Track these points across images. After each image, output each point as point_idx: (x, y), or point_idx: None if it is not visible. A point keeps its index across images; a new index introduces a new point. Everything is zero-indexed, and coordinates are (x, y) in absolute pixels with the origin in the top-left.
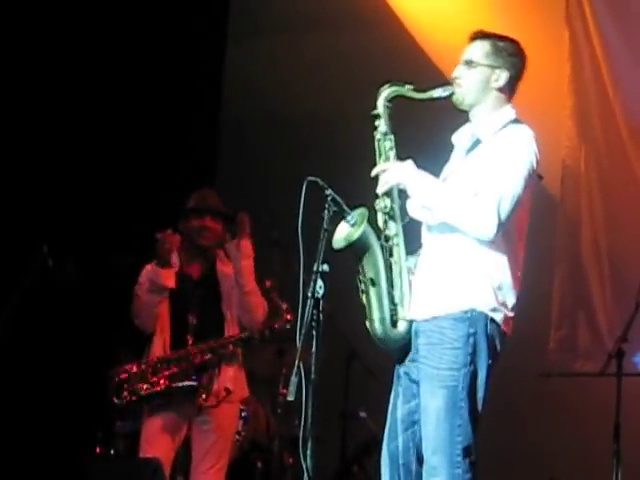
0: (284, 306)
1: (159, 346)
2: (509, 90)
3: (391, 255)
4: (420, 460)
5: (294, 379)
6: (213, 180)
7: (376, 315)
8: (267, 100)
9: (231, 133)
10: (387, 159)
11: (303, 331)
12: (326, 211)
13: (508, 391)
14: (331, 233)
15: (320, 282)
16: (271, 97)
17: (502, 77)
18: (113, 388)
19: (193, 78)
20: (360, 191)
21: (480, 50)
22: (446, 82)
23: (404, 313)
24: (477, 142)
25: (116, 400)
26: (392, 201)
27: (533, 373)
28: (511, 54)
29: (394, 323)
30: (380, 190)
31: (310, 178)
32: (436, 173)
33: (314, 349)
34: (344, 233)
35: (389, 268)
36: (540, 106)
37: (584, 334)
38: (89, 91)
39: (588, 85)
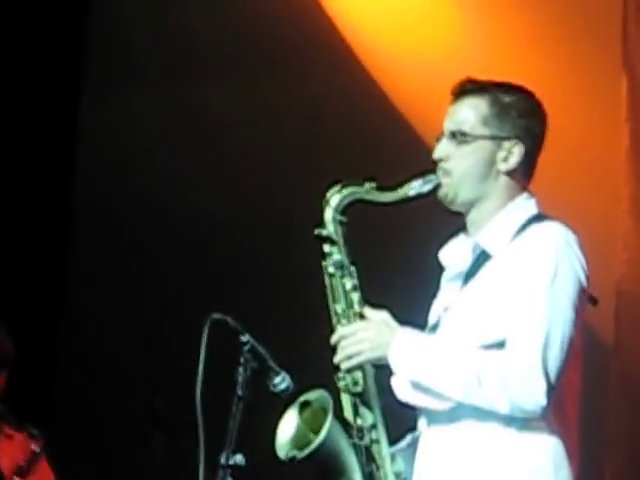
0: None
1: None
2: (524, 172)
3: (370, 460)
4: None
5: None
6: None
7: None
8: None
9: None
10: (349, 307)
11: None
12: (241, 368)
13: None
14: (249, 404)
15: None
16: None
17: (514, 153)
18: None
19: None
20: (299, 335)
21: (475, 113)
22: (425, 170)
23: None
24: (482, 257)
25: None
26: (364, 374)
27: None
28: (524, 114)
29: None
30: (345, 367)
31: (215, 315)
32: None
33: None
34: (293, 432)
35: None
36: (579, 198)
37: None
38: None
39: None
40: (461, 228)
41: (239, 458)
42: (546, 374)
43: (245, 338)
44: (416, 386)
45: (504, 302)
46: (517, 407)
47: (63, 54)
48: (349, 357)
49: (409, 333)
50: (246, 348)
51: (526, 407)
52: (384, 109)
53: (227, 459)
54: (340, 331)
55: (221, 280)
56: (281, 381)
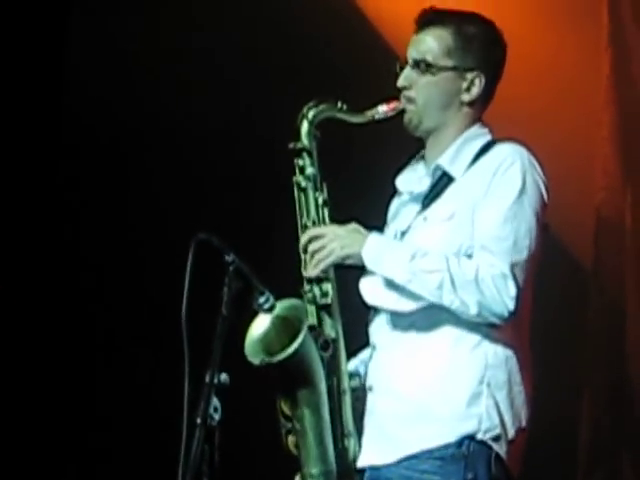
0: None
1: None
2: (484, 101)
3: (331, 372)
4: None
5: None
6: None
7: (315, 468)
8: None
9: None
10: (320, 220)
11: (188, 478)
12: (226, 288)
13: None
14: (234, 323)
15: (216, 401)
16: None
17: (476, 84)
18: None
19: None
20: (278, 261)
21: (439, 44)
22: (390, 96)
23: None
24: (444, 180)
25: None
26: (332, 286)
27: None
28: (487, 45)
29: (342, 476)
30: (313, 270)
31: (201, 236)
32: None
33: None
34: (262, 336)
35: (332, 394)
36: (560, 124)
37: None
38: None
39: (638, 87)
40: (416, 154)
41: (224, 377)
42: (515, 279)
43: (230, 257)
44: (387, 285)
45: (471, 217)
46: (486, 309)
47: None
48: (320, 259)
49: (382, 235)
50: (231, 268)
51: (495, 309)
52: (367, 33)
53: (212, 378)
54: (309, 232)
55: (204, 200)
56: (265, 301)
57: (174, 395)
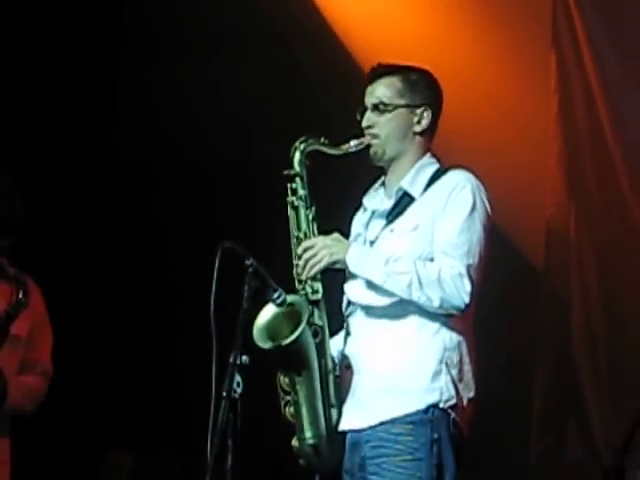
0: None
1: None
2: (431, 133)
3: (321, 355)
4: None
5: None
6: None
7: (309, 432)
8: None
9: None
10: (310, 233)
11: (215, 441)
12: (246, 286)
13: None
14: (252, 315)
15: (238, 378)
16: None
17: (425, 117)
18: None
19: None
20: (276, 265)
21: (390, 88)
22: (359, 134)
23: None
24: (406, 199)
25: None
26: (322, 285)
27: None
28: (429, 86)
29: (330, 438)
30: (308, 273)
31: (226, 244)
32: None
33: (229, 464)
34: (268, 324)
35: (321, 372)
36: (517, 153)
37: (574, 445)
38: None
39: (580, 124)
40: (378, 178)
41: (245, 358)
42: (470, 278)
43: (249, 261)
44: (368, 285)
45: (431, 229)
46: (447, 303)
47: (103, 34)
48: (313, 264)
49: (361, 245)
50: (250, 270)
51: (454, 303)
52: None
53: (235, 359)
54: (303, 244)
55: (225, 216)
56: (278, 296)
57: (205, 373)
